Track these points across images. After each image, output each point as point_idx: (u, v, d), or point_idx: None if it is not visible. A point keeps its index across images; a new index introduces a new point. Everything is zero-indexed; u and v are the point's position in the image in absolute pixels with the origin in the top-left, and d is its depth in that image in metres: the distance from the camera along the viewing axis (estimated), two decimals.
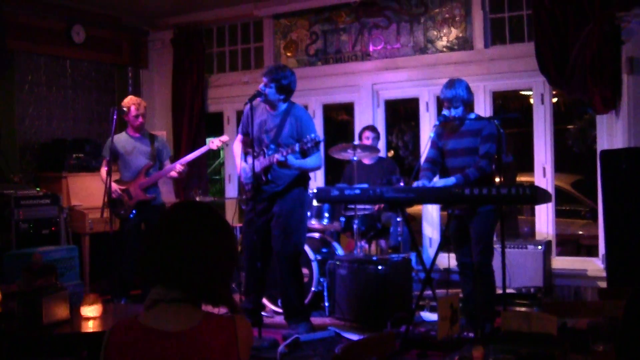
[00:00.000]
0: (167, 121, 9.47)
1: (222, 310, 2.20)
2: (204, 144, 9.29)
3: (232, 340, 2.09)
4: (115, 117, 6.76)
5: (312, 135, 5.63)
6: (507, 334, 2.96)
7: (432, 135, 5.88)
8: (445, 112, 5.68)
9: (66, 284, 5.11)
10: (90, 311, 4.33)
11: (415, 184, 5.63)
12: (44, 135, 8.37)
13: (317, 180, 8.31)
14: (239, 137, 6.26)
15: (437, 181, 5.63)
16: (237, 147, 6.27)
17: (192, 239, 2.11)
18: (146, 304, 2.12)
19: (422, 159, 6.59)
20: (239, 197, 6.82)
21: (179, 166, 6.88)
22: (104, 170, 6.96)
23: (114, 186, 6.83)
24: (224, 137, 6.99)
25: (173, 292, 2.09)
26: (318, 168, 6.23)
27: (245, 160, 6.05)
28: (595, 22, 6.49)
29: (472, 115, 5.75)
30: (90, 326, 4.22)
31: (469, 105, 5.69)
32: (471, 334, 5.51)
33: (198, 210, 2.19)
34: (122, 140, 7.01)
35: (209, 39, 9.47)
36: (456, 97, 5.59)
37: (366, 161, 7.61)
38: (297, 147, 5.64)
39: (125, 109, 6.93)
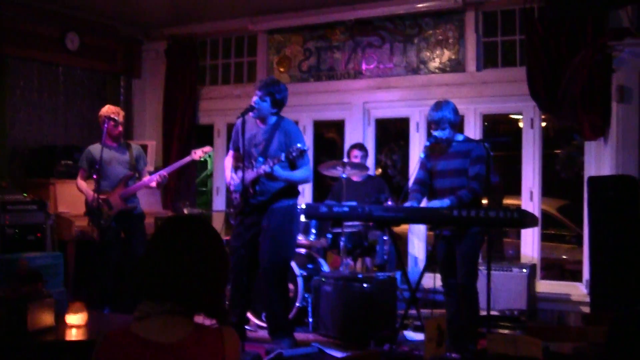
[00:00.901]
0: (158, 131, 9.47)
1: (211, 321, 2.22)
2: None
3: (219, 352, 2.11)
4: (106, 125, 6.74)
5: (298, 145, 5.63)
6: (493, 356, 2.99)
7: (422, 155, 5.91)
8: (435, 133, 5.71)
9: (51, 291, 5.09)
10: (76, 319, 4.32)
11: (404, 205, 5.66)
12: (33, 141, 8.34)
13: (305, 197, 8.32)
14: (231, 152, 6.24)
15: (432, 202, 5.63)
16: (228, 161, 6.26)
17: (188, 253, 2.12)
18: (137, 314, 2.13)
19: (411, 180, 6.62)
20: (227, 210, 6.81)
21: (160, 175, 6.84)
22: (80, 180, 6.93)
23: (93, 195, 6.76)
24: (207, 148, 6.96)
25: (166, 304, 2.11)
26: (307, 181, 6.20)
27: (235, 174, 6.04)
28: (587, 50, 6.57)
29: (461, 137, 5.78)
30: (74, 334, 4.21)
31: (455, 126, 5.72)
32: (454, 355, 5.52)
33: (193, 224, 2.21)
34: (99, 150, 6.91)
35: (203, 51, 9.50)
36: (443, 119, 5.62)
37: (355, 178, 7.63)
38: (282, 157, 5.63)
39: (102, 118, 6.86)
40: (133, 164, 6.99)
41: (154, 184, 6.94)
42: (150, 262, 2.14)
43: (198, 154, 6.86)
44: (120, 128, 6.97)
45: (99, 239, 6.86)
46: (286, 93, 5.97)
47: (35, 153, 8.21)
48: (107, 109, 6.91)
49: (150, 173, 7.08)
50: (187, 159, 6.93)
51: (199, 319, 2.22)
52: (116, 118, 6.84)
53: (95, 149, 6.91)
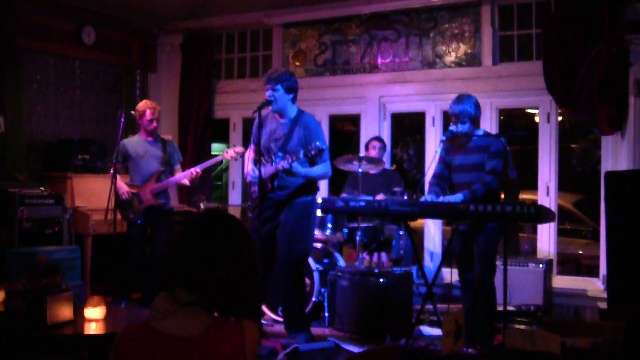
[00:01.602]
0: (173, 125, 9.49)
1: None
2: (209, 149, 9.34)
3: (240, 345, 2.11)
4: (122, 119, 6.78)
5: (317, 142, 5.63)
6: (511, 352, 2.98)
7: (438, 150, 5.90)
8: (452, 127, 5.70)
9: (69, 285, 5.12)
10: (94, 313, 4.34)
11: (422, 199, 5.65)
12: (50, 134, 8.39)
13: (320, 189, 8.31)
14: (251, 146, 6.23)
15: (445, 197, 5.63)
16: (249, 154, 6.25)
17: (219, 248, 2.13)
18: (156, 307, 2.14)
19: (427, 174, 6.61)
20: (243, 204, 6.81)
21: (193, 172, 6.87)
22: (118, 177, 6.96)
23: (125, 188, 6.85)
24: (239, 148, 6.95)
25: (189, 297, 2.11)
26: (326, 176, 6.20)
27: (254, 166, 6.03)
28: (604, 44, 6.53)
29: (480, 132, 5.77)
30: (93, 328, 4.24)
31: (476, 121, 5.71)
32: (470, 350, 5.52)
33: (226, 220, 2.21)
34: (134, 143, 7.01)
35: (218, 45, 9.51)
36: (463, 112, 5.60)
37: (371, 171, 7.63)
38: (301, 154, 5.64)
39: (140, 113, 6.93)
40: (166, 159, 7.03)
41: (186, 182, 6.98)
42: (181, 254, 2.14)
43: (230, 153, 6.88)
44: (156, 124, 7.02)
45: (126, 231, 6.91)
46: (293, 78, 5.97)
47: (52, 147, 8.25)
48: (143, 104, 7.07)
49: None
50: (219, 158, 7.00)
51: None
52: (149, 114, 6.92)
53: (129, 142, 6.96)
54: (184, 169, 7.15)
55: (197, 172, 6.90)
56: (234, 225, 2.20)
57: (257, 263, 2.24)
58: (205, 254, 2.12)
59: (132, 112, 6.99)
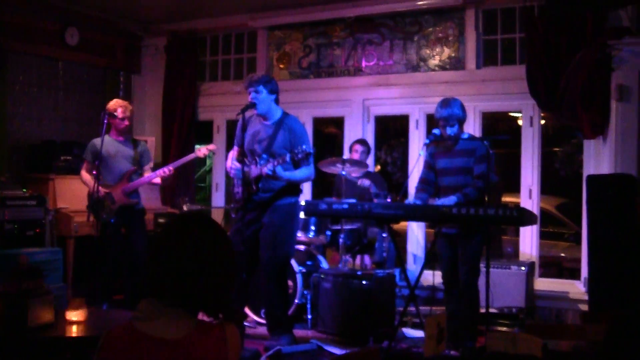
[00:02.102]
0: (157, 127, 9.47)
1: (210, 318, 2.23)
2: (193, 151, 9.30)
3: (222, 348, 2.13)
4: (105, 120, 6.74)
5: (304, 146, 5.63)
6: (493, 354, 3.00)
7: (421, 153, 5.92)
8: (435, 130, 5.71)
9: (50, 287, 5.09)
10: (76, 315, 4.31)
11: (407, 202, 5.66)
12: (33, 136, 8.34)
13: (304, 193, 8.32)
14: (235, 148, 6.22)
15: (438, 200, 5.64)
16: (233, 154, 6.23)
17: (197, 252, 2.13)
18: (140, 310, 2.14)
19: (410, 177, 6.63)
20: (226, 206, 6.80)
21: (165, 171, 6.83)
22: (84, 172, 6.93)
23: (96, 187, 6.78)
24: (211, 146, 6.97)
25: (172, 301, 2.12)
26: (309, 179, 6.20)
27: (239, 164, 5.99)
28: (587, 49, 6.58)
29: (465, 135, 5.79)
30: (74, 330, 4.21)
31: (462, 123, 5.74)
32: (453, 352, 5.54)
33: (202, 223, 2.21)
34: (105, 143, 6.91)
35: (203, 47, 9.50)
36: (452, 115, 5.62)
37: (355, 174, 7.64)
38: (287, 158, 5.64)
39: (112, 111, 6.88)
40: (137, 159, 6.99)
41: (158, 180, 6.94)
42: (158, 260, 2.15)
43: (202, 151, 6.86)
44: (127, 122, 6.96)
45: (99, 233, 6.86)
46: (274, 80, 5.99)
47: (34, 148, 8.21)
48: (114, 103, 6.93)
49: (152, 169, 7.07)
50: (191, 155, 6.95)
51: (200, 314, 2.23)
52: (120, 113, 6.84)
53: (99, 141, 6.91)
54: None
55: (169, 170, 6.85)
56: (210, 228, 2.21)
57: (235, 264, 2.25)
58: (184, 258, 2.12)
59: (111, 111, 6.88)
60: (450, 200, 5.45)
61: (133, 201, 6.90)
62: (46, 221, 7.33)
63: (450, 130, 5.63)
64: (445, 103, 5.67)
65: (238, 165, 5.85)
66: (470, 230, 5.56)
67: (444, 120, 5.64)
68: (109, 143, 6.90)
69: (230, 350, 2.14)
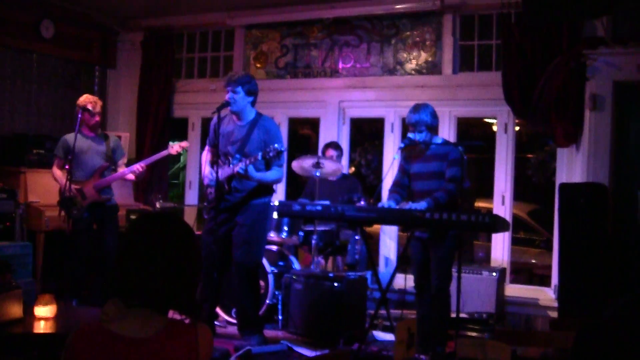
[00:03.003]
0: (132, 123, 9.40)
1: (182, 316, 2.23)
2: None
3: (193, 347, 2.13)
4: (80, 115, 6.68)
5: (276, 145, 5.63)
6: None
7: (396, 157, 5.93)
8: (410, 135, 5.74)
9: (19, 282, 5.04)
10: (44, 311, 4.28)
11: (380, 205, 5.67)
12: (5, 128, 8.24)
13: (277, 194, 8.30)
14: (207, 148, 6.21)
15: (409, 204, 5.65)
16: (205, 156, 6.24)
17: (160, 251, 2.13)
18: (106, 312, 2.13)
19: (385, 180, 6.65)
20: (200, 205, 6.77)
21: (138, 168, 6.79)
22: (55, 168, 6.87)
23: (67, 184, 6.73)
24: (184, 143, 6.94)
25: (135, 299, 2.11)
26: (279, 181, 6.22)
27: (212, 168, 6.00)
28: (562, 58, 6.63)
29: (439, 140, 5.82)
30: (43, 327, 4.18)
31: (433, 129, 5.75)
32: (423, 356, 5.55)
33: (164, 222, 2.21)
34: (76, 139, 6.87)
35: (179, 44, 9.45)
36: (419, 121, 5.65)
37: (329, 177, 7.63)
38: (259, 156, 5.63)
39: (80, 107, 6.82)
40: (109, 155, 6.95)
41: (131, 176, 6.91)
42: (122, 261, 2.14)
43: (175, 148, 6.83)
44: (98, 118, 6.91)
45: (71, 229, 6.80)
46: (254, 82, 5.99)
47: (6, 141, 8.10)
48: (84, 99, 6.86)
49: (126, 165, 7.03)
50: (164, 152, 6.91)
51: (170, 313, 2.23)
52: (90, 108, 6.79)
53: (71, 137, 6.84)
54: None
55: (142, 167, 6.82)
56: (175, 225, 2.21)
57: (201, 261, 2.26)
58: (150, 257, 2.12)
59: (81, 106, 6.82)
60: (420, 205, 5.47)
61: (105, 197, 6.86)
62: (16, 215, 7.25)
63: (418, 136, 5.66)
64: (415, 109, 5.70)
65: (213, 175, 5.84)
66: (442, 235, 5.58)
67: (412, 125, 5.68)
68: (80, 139, 6.83)
69: (202, 350, 2.14)
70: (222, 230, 5.96)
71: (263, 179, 5.88)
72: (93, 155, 6.88)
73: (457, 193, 5.55)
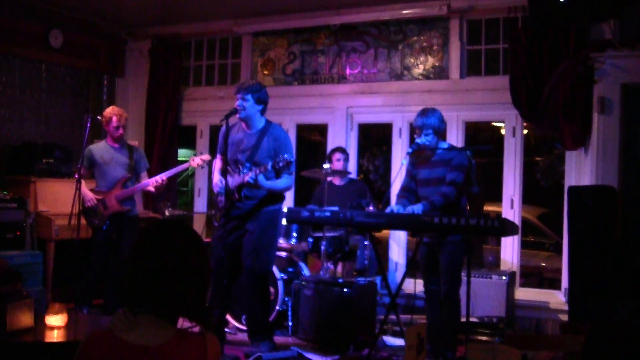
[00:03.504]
0: (140, 131, 9.44)
1: (192, 324, 2.24)
2: (176, 156, 9.30)
3: (202, 356, 2.14)
4: (89, 124, 6.72)
5: (285, 155, 5.63)
6: None
7: (404, 162, 5.94)
8: (418, 140, 5.74)
9: (29, 290, 5.06)
10: (55, 320, 4.30)
11: (387, 210, 5.67)
12: (14, 138, 8.28)
13: (286, 200, 8.30)
14: (218, 156, 6.22)
15: (407, 207, 5.66)
16: (218, 163, 6.24)
17: (169, 259, 2.14)
18: (118, 317, 2.14)
19: (393, 185, 6.65)
20: (209, 212, 6.78)
21: (159, 180, 6.86)
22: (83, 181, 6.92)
23: (90, 195, 6.81)
24: (206, 156, 6.98)
25: (146, 309, 2.12)
26: (289, 189, 6.23)
27: (222, 176, 6.02)
28: (569, 61, 6.63)
29: (445, 145, 5.82)
30: (54, 336, 4.20)
31: (440, 133, 5.75)
32: None
33: (174, 230, 2.22)
34: (100, 149, 6.97)
35: (187, 52, 9.48)
36: (426, 124, 5.65)
37: (337, 182, 7.65)
38: (269, 166, 5.64)
39: (105, 119, 6.90)
40: (132, 166, 7.02)
41: (151, 188, 6.97)
42: (131, 269, 2.15)
43: (196, 161, 6.90)
44: (122, 131, 6.99)
45: (90, 238, 6.86)
46: (264, 90, 5.99)
47: (16, 150, 8.13)
48: (110, 111, 7.05)
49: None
50: (185, 165, 7.00)
51: (180, 321, 2.24)
52: (106, 119, 6.88)
53: (95, 148, 6.92)
54: (150, 176, 7.11)
55: (163, 180, 6.88)
56: (184, 233, 2.22)
57: (208, 267, 2.26)
58: (159, 265, 2.13)
59: (99, 117, 6.95)
60: (417, 208, 5.47)
61: (125, 208, 6.91)
62: (26, 224, 7.29)
63: (425, 139, 5.66)
64: (423, 112, 5.72)
65: (223, 183, 5.85)
66: (447, 239, 5.58)
67: (419, 128, 5.69)
68: (104, 149, 6.95)
69: (210, 358, 2.15)
70: (233, 238, 5.98)
71: (273, 187, 5.89)
72: (116, 166, 6.96)
73: (455, 196, 5.54)
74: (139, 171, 7.10)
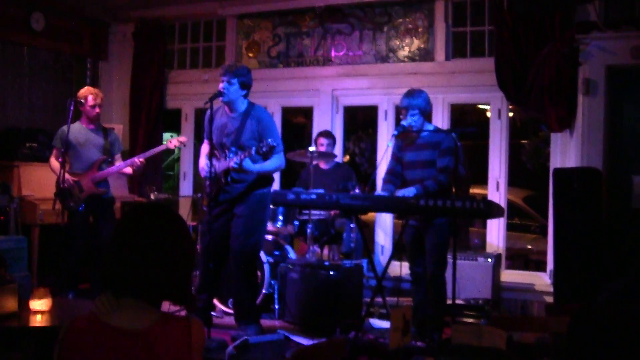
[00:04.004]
0: (125, 115, 9.38)
1: (177, 307, 2.24)
2: (161, 140, 9.25)
3: (186, 340, 2.13)
4: (72, 107, 6.66)
5: (269, 140, 5.60)
6: (458, 346, 3.01)
7: (390, 144, 5.94)
8: (403, 122, 5.73)
9: (14, 276, 5.03)
10: (40, 305, 4.28)
11: (375, 194, 5.67)
12: None
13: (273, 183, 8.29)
14: (206, 141, 6.18)
15: (397, 191, 5.66)
16: (204, 149, 6.21)
17: (152, 243, 2.12)
18: (101, 301, 2.13)
19: (379, 168, 6.65)
20: (194, 196, 6.76)
21: (136, 162, 6.81)
22: (53, 160, 6.86)
23: (66, 176, 6.75)
24: (183, 138, 6.97)
25: (128, 292, 2.11)
26: (280, 168, 6.19)
27: (209, 161, 5.98)
28: (554, 43, 6.63)
29: (431, 127, 5.82)
30: (39, 320, 4.18)
31: (426, 115, 5.75)
32: (419, 343, 5.57)
33: (156, 213, 2.21)
34: (75, 130, 6.88)
35: (171, 35, 9.41)
36: (412, 104, 5.66)
37: (323, 166, 7.64)
38: (253, 151, 5.62)
39: (82, 99, 6.84)
40: (107, 147, 6.97)
41: (129, 170, 6.92)
42: (114, 252, 2.13)
43: (173, 142, 6.86)
44: (98, 110, 6.93)
45: (67, 221, 6.80)
46: (249, 75, 5.95)
47: None
48: (85, 90, 6.96)
49: (122, 159, 7.05)
50: (162, 147, 6.96)
51: (165, 305, 2.23)
52: (83, 101, 6.80)
53: (70, 129, 6.85)
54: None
55: (140, 161, 6.83)
56: (166, 216, 2.21)
57: (192, 250, 2.25)
58: (141, 248, 2.12)
59: (81, 99, 6.87)
60: (409, 191, 5.48)
61: (101, 190, 6.87)
62: (10, 209, 7.23)
63: (411, 120, 5.66)
64: (409, 93, 5.74)
65: (208, 166, 5.83)
66: (434, 221, 5.59)
67: (405, 109, 5.70)
68: (79, 131, 6.88)
69: (194, 343, 2.15)
70: (220, 222, 5.97)
71: (262, 170, 5.86)
72: (91, 147, 6.89)
73: (448, 183, 5.55)
74: (113, 153, 7.04)
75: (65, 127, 6.81)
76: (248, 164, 5.69)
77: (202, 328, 2.22)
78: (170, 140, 6.89)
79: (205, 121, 6.04)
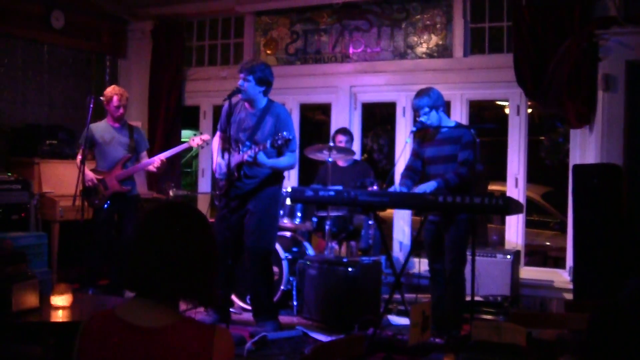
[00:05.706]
0: (143, 112, 9.41)
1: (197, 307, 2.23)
2: (179, 137, 9.28)
3: (207, 348, 2.06)
4: (92, 105, 6.70)
5: (284, 132, 5.62)
6: (477, 343, 3.01)
7: (408, 141, 5.95)
8: (422, 118, 5.73)
9: (34, 272, 5.07)
10: (60, 300, 4.32)
11: (391, 189, 5.67)
12: (17, 119, 8.26)
13: (290, 180, 8.31)
14: (218, 133, 6.24)
15: (418, 186, 5.66)
16: (216, 142, 6.26)
17: (173, 242, 2.10)
18: (125, 306, 2.13)
19: (397, 164, 6.64)
20: (212, 192, 6.78)
21: (158, 160, 6.87)
22: (80, 158, 6.92)
23: (91, 175, 6.81)
24: (205, 136, 7.00)
25: (152, 291, 2.11)
26: (291, 167, 6.23)
27: (222, 157, 6.03)
28: (573, 38, 6.59)
29: (452, 123, 5.81)
30: (59, 315, 4.22)
31: (438, 107, 5.74)
32: (437, 340, 5.55)
33: (178, 212, 2.19)
34: (101, 129, 6.98)
35: (189, 32, 9.44)
36: (420, 105, 5.71)
37: (341, 163, 7.64)
38: (268, 144, 5.63)
39: (107, 99, 6.91)
40: (133, 146, 7.03)
41: (152, 168, 6.98)
42: (136, 251, 2.12)
43: (196, 141, 6.92)
44: (122, 110, 6.99)
45: (91, 218, 6.87)
46: (268, 71, 5.95)
47: (19, 132, 8.12)
48: (111, 90, 7.08)
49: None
50: (185, 145, 7.03)
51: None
52: (107, 99, 6.88)
53: (95, 127, 6.92)
54: (152, 156, 7.12)
55: (163, 160, 6.89)
56: (189, 215, 2.18)
57: (217, 251, 2.23)
58: (163, 247, 2.10)
59: (102, 98, 6.95)
60: (430, 186, 5.48)
61: (126, 188, 6.93)
62: (31, 205, 7.30)
63: (424, 119, 5.68)
64: (416, 95, 5.81)
65: (223, 169, 5.87)
66: (455, 218, 5.58)
67: (416, 111, 5.73)
68: (105, 129, 6.96)
69: (217, 353, 2.07)
70: (235, 218, 5.99)
71: (275, 165, 5.88)
72: (116, 146, 6.97)
73: (469, 176, 5.54)
74: (139, 151, 7.12)
75: (92, 126, 6.88)
76: (262, 157, 5.71)
77: (231, 340, 2.15)
78: (192, 138, 6.94)
79: (223, 113, 6.07)
